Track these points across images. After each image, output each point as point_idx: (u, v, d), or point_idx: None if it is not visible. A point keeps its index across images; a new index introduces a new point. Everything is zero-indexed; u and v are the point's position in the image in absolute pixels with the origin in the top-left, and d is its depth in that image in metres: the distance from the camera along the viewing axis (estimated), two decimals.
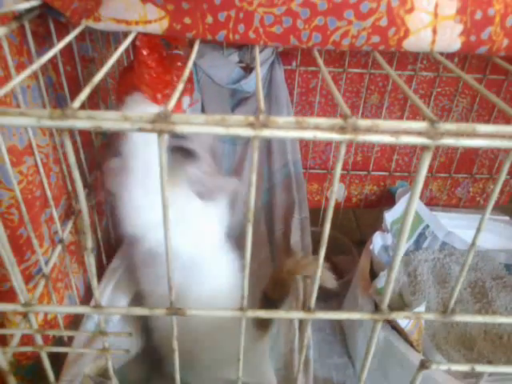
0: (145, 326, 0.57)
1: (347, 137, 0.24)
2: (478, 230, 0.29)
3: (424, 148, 0.25)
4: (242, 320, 0.31)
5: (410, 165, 0.97)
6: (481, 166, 0.98)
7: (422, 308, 0.73)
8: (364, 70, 0.85)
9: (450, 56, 0.83)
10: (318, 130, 0.24)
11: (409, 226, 0.27)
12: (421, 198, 0.99)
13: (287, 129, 0.24)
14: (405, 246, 0.91)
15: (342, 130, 0.24)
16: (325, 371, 0.80)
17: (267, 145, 0.83)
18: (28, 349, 0.34)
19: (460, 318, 0.32)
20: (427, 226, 0.95)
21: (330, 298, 0.89)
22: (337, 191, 0.23)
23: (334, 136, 0.24)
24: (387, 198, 1.01)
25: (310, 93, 0.87)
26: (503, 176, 0.27)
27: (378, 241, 0.87)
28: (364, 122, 0.24)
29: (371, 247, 0.83)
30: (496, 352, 0.77)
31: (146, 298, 0.55)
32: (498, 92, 0.88)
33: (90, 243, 0.27)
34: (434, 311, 0.86)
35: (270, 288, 0.58)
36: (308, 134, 0.24)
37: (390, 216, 0.89)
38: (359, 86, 0.87)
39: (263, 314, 0.31)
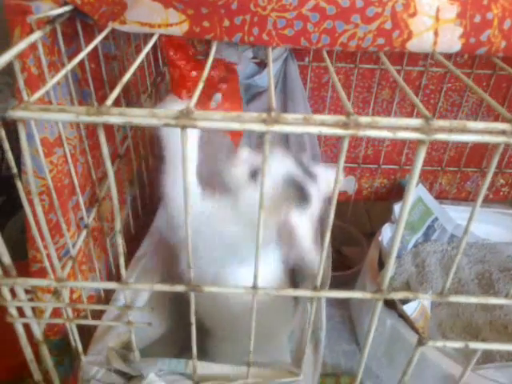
0: (172, 310, 0.60)
1: (349, 132, 0.27)
2: (470, 219, 0.32)
3: (419, 142, 0.27)
4: (253, 297, 0.34)
5: None
6: (490, 160, 1.00)
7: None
8: (375, 66, 0.87)
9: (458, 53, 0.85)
10: (324, 125, 0.27)
11: (407, 210, 0.30)
12: (430, 191, 1.01)
13: (296, 125, 0.27)
14: (413, 237, 0.93)
15: (344, 125, 0.27)
16: (333, 357, 0.83)
17: (285, 139, 0.86)
18: (59, 320, 0.38)
19: (455, 298, 0.35)
20: (436, 219, 0.97)
21: (340, 287, 0.92)
22: (341, 182, 0.25)
23: (338, 131, 0.27)
24: (397, 191, 1.03)
25: (322, 88, 0.90)
26: (493, 169, 0.29)
27: (387, 232, 0.89)
28: (364, 119, 0.27)
29: (380, 238, 0.85)
30: (501, 341, 0.79)
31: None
32: (508, 87, 0.90)
33: (118, 224, 0.30)
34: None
35: None
36: (314, 130, 0.27)
37: (399, 208, 0.91)
38: (370, 82, 0.90)
39: (273, 291, 0.34)
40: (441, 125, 0.27)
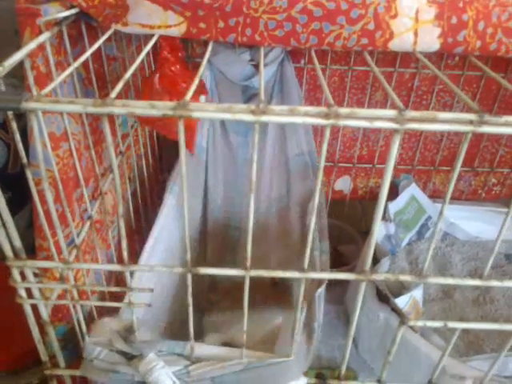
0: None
1: (330, 122, 0.30)
2: (441, 213, 0.35)
3: (394, 131, 0.30)
4: (246, 278, 0.37)
5: (414, 158, 1.02)
6: (482, 159, 1.03)
7: (419, 291, 0.78)
8: (368, 68, 0.90)
9: (451, 54, 0.88)
10: (307, 116, 0.30)
11: (386, 192, 0.33)
12: (424, 190, 1.03)
13: (282, 115, 0.30)
14: (407, 235, 0.95)
15: (326, 116, 0.30)
16: (329, 351, 0.86)
17: (282, 135, 0.89)
18: (65, 302, 0.40)
19: (434, 280, 0.38)
20: (430, 217, 1.00)
21: (335, 284, 0.94)
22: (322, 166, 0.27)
23: (320, 121, 0.30)
24: (391, 190, 1.06)
25: (317, 89, 0.93)
26: (460, 159, 0.32)
27: (381, 230, 0.91)
28: (344, 110, 0.30)
29: None
30: (491, 334, 0.81)
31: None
32: (498, 89, 0.93)
33: (121, 209, 0.33)
34: (434, 296, 0.90)
35: None
36: (299, 120, 0.30)
37: (393, 207, 0.94)
38: (364, 84, 0.92)
39: (265, 273, 0.36)
40: (413, 115, 0.29)
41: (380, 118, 0.29)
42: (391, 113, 0.30)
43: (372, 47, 0.41)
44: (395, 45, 0.41)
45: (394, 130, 0.30)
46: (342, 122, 0.29)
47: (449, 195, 0.34)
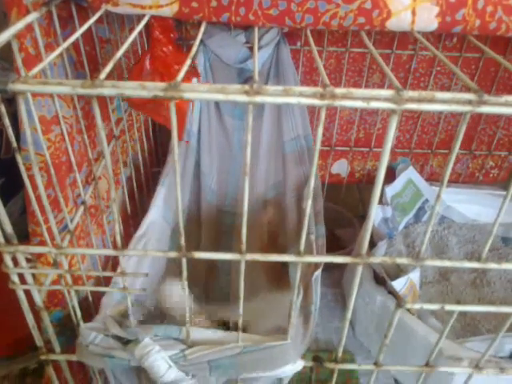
0: None
1: (326, 102, 0.29)
2: (438, 196, 0.34)
3: (391, 112, 0.29)
4: (241, 262, 0.36)
5: (411, 142, 1.01)
6: (480, 142, 1.02)
7: (416, 273, 0.78)
8: (366, 50, 0.89)
9: (449, 36, 0.87)
10: (302, 96, 0.29)
11: (383, 174, 0.32)
12: (421, 173, 1.03)
13: (276, 96, 0.29)
14: (404, 218, 0.95)
15: (321, 96, 0.29)
16: (326, 334, 0.86)
17: (278, 119, 0.88)
18: (59, 287, 0.40)
19: (431, 262, 0.37)
20: (427, 201, 1.00)
21: (332, 268, 0.94)
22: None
23: (315, 101, 0.29)
24: (388, 174, 1.05)
25: (313, 71, 0.91)
26: (459, 141, 0.32)
27: (378, 213, 0.91)
28: (340, 90, 0.29)
29: None
30: (487, 316, 0.82)
31: None
32: (496, 71, 0.92)
33: (113, 193, 0.32)
34: (431, 278, 0.90)
35: None
36: (293, 100, 0.29)
37: (390, 190, 0.93)
38: (361, 66, 0.91)
39: (260, 257, 0.36)
40: (411, 95, 0.29)
41: (377, 98, 0.29)
42: (388, 93, 0.29)
43: (369, 27, 0.40)
44: (393, 24, 0.40)
45: (392, 111, 0.29)
46: (338, 103, 0.29)
47: (446, 178, 0.33)
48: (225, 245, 0.89)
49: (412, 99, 0.29)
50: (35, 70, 0.32)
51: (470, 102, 0.29)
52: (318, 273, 0.54)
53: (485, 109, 0.29)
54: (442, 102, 0.29)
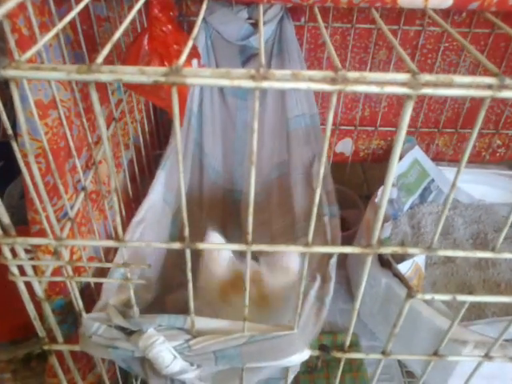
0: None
1: (337, 87, 0.27)
2: (453, 185, 0.33)
3: (407, 97, 0.28)
4: (247, 253, 0.35)
5: (417, 120, 0.99)
6: (487, 121, 1.00)
7: (422, 256, 0.77)
8: (372, 26, 0.86)
9: (459, 12, 0.84)
10: (312, 81, 0.27)
11: (395, 163, 0.31)
12: (427, 152, 1.01)
13: (284, 81, 0.27)
14: (409, 199, 0.94)
15: (332, 81, 0.27)
16: (331, 316, 0.86)
17: (281, 96, 0.85)
18: (59, 279, 0.39)
19: (443, 252, 0.36)
20: (433, 181, 0.98)
21: None
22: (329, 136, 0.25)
23: (326, 87, 0.27)
24: None
25: (318, 48, 0.89)
26: (479, 123, 0.30)
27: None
28: (352, 74, 0.27)
29: (376, 200, 0.86)
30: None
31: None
32: (506, 47, 0.89)
33: (113, 182, 0.30)
34: (436, 260, 0.89)
35: None
36: (303, 85, 0.27)
37: (396, 171, 0.92)
38: (367, 42, 0.89)
39: (266, 247, 0.35)
40: (427, 79, 0.27)
41: (391, 83, 0.27)
42: (404, 77, 0.27)
43: (380, 3, 0.38)
44: (405, 1, 0.38)
45: (407, 96, 0.27)
46: (350, 88, 0.27)
47: (463, 164, 0.32)
48: (231, 225, 0.88)
49: (429, 83, 0.27)
50: (29, 53, 0.30)
51: (490, 87, 0.27)
52: (334, 260, 0.53)
53: (506, 93, 0.28)
54: (460, 87, 0.27)
